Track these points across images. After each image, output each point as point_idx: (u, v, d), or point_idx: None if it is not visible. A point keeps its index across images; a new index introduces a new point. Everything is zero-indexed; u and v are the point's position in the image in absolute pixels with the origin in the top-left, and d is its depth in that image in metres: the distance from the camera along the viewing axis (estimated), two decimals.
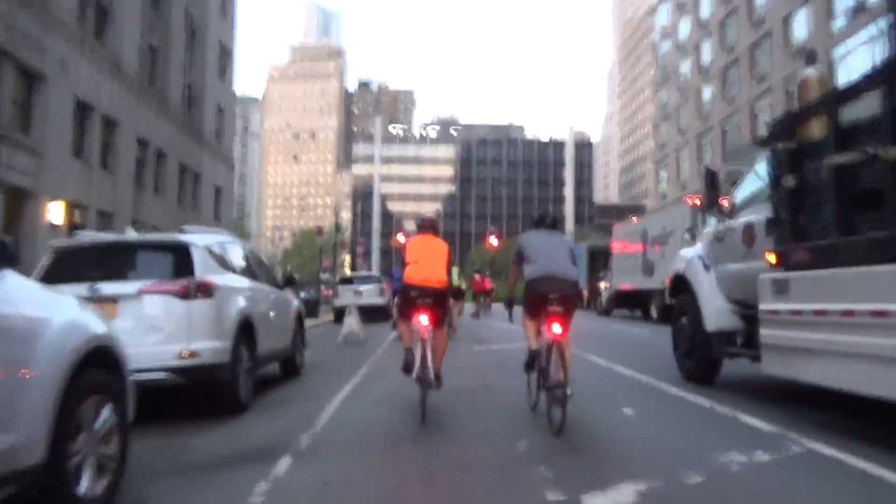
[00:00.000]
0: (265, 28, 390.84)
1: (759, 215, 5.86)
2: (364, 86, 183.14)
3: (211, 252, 5.74)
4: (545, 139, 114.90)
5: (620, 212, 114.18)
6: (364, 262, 72.12)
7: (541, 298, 4.84)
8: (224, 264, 5.97)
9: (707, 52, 42.39)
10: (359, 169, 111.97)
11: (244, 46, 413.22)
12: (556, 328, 4.69)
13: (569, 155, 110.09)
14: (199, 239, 5.75)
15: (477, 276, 22.37)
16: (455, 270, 14.24)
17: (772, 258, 5.36)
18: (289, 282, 8.57)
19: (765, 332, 5.30)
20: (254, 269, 6.96)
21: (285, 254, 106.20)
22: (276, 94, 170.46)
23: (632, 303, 20.52)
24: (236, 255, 6.54)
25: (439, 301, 5.46)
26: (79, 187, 19.52)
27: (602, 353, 9.38)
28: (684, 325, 7.03)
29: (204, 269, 5.36)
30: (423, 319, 5.31)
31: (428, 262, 5.55)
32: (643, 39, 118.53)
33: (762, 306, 5.34)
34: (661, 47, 55.23)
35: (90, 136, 20.44)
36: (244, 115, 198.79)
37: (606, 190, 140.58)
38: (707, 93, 42.60)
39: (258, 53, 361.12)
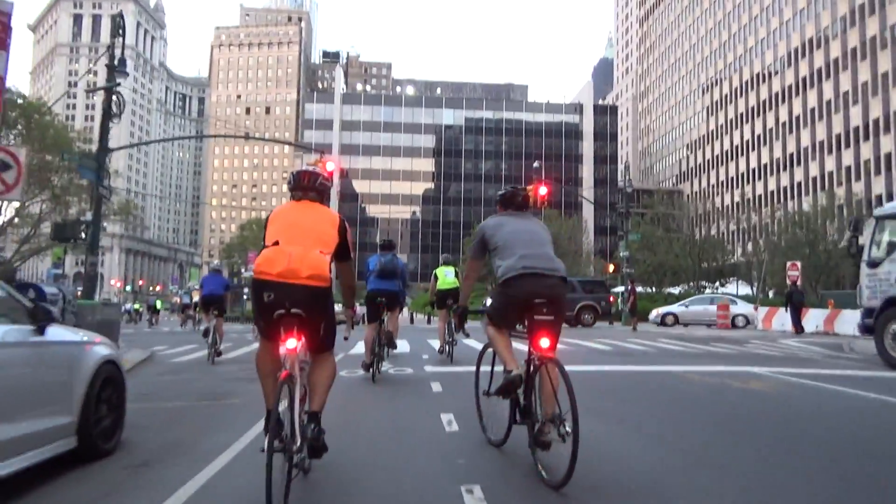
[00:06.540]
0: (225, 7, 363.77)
1: None
2: (331, 56, 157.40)
3: None
4: (556, 101, 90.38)
5: (650, 196, 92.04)
6: None
7: (522, 304, 3.49)
8: None
9: None
10: (313, 136, 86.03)
11: (199, 24, 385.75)
12: (545, 342, 3.36)
13: (587, 123, 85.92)
14: None
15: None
16: (451, 269, 10.42)
17: None
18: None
19: None
20: None
21: (227, 250, 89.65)
22: (224, 61, 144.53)
23: None
24: None
25: (317, 309, 3.01)
26: None
27: None
28: None
29: None
30: (290, 343, 2.90)
31: (297, 241, 3.04)
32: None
33: None
34: None
35: None
36: (199, 96, 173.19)
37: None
38: None
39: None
